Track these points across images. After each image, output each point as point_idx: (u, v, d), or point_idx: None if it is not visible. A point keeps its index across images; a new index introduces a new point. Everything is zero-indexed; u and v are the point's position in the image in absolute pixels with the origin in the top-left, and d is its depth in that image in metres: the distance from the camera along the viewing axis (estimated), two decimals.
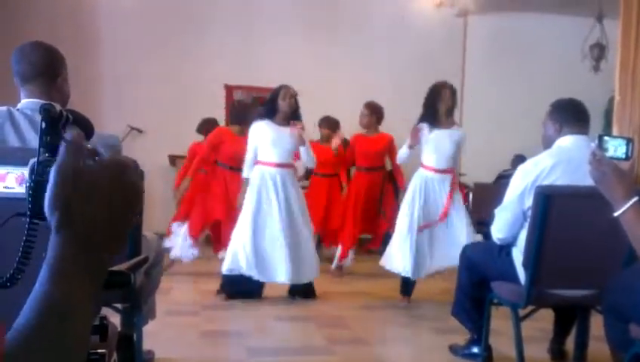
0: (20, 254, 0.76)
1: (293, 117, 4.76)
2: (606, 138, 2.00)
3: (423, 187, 4.72)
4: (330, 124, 6.62)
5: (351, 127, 7.88)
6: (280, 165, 4.76)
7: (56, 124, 0.81)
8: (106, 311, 2.56)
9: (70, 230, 0.70)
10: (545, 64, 8.73)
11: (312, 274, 4.83)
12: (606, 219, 1.96)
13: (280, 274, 4.65)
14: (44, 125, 0.80)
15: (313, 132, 7.35)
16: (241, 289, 4.76)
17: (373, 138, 5.96)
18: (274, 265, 4.65)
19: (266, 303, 4.79)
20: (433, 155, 4.73)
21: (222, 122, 7.03)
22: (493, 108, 8.93)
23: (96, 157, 0.75)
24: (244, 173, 4.89)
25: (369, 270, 6.78)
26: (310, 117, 8.06)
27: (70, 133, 0.76)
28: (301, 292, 4.88)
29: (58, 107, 0.84)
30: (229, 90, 8.54)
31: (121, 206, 0.73)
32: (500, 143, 8.29)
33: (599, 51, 8.20)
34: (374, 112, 5.85)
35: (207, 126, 6.36)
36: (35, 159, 0.78)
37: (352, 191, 6.10)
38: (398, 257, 4.72)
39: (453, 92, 4.77)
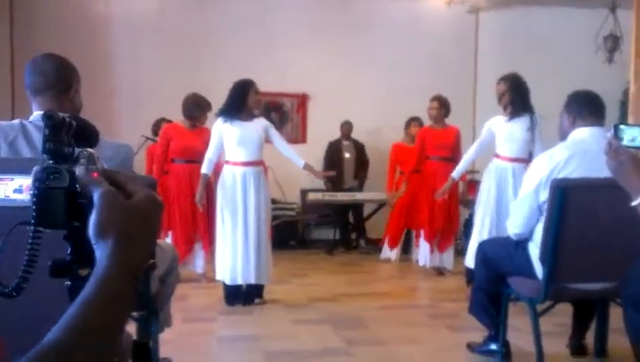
0: (24, 263, 0.75)
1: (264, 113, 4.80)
2: (622, 127, 1.97)
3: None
4: (418, 123, 6.93)
5: (363, 125, 7.90)
6: (247, 163, 4.72)
7: (59, 130, 0.80)
8: None
9: (123, 252, 0.72)
10: (558, 57, 8.62)
11: (265, 278, 4.78)
12: (623, 210, 1.93)
13: (243, 275, 4.66)
14: (47, 132, 0.79)
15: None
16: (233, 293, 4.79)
17: (441, 131, 5.95)
18: (237, 268, 4.65)
19: (282, 307, 4.78)
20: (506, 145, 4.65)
21: None
22: None
23: (141, 191, 0.78)
24: (202, 169, 4.83)
25: (386, 271, 6.77)
26: (325, 117, 8.10)
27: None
28: (257, 294, 4.82)
29: (62, 114, 0.83)
30: None
31: (152, 237, 0.79)
32: None
33: (613, 42, 8.10)
34: (443, 106, 5.84)
35: (159, 125, 6.21)
36: (38, 166, 0.77)
37: (427, 180, 6.05)
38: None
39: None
